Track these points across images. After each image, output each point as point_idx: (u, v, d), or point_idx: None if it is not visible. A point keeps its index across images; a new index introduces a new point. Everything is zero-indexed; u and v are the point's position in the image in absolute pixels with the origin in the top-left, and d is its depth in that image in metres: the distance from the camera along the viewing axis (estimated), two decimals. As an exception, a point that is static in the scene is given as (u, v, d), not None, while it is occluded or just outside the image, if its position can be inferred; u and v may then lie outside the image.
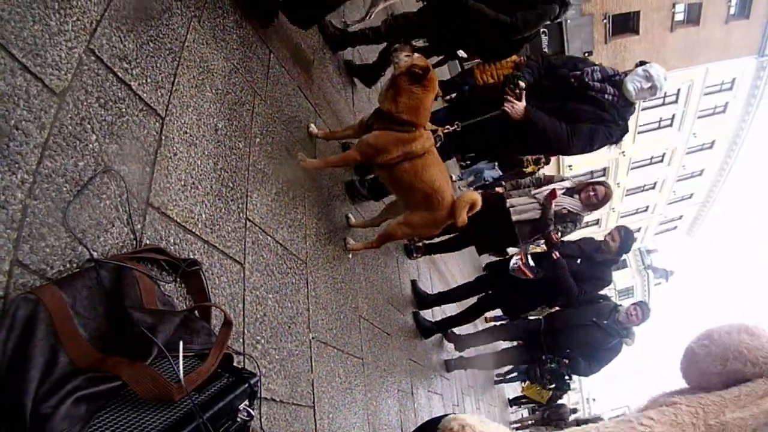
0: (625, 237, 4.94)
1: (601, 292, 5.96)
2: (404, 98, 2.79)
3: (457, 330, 6.08)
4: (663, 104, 24.12)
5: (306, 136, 3.24)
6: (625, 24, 19.93)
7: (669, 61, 21.05)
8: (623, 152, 24.81)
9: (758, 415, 1.38)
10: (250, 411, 1.44)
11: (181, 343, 1.31)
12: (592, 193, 4.53)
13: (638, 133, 24.53)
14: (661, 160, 27.68)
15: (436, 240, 5.30)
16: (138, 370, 1.17)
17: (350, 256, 3.46)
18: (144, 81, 1.87)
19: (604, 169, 26.33)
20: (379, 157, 2.91)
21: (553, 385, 7.13)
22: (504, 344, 6.98)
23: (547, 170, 12.05)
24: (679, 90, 23.56)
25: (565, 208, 4.57)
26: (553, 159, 16.56)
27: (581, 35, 19.11)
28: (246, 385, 1.44)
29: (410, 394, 3.98)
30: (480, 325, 8.28)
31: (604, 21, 19.38)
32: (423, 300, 5.17)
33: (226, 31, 2.56)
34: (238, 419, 1.40)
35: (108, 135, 1.63)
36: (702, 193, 33.05)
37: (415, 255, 5.36)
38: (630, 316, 5.41)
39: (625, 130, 3.87)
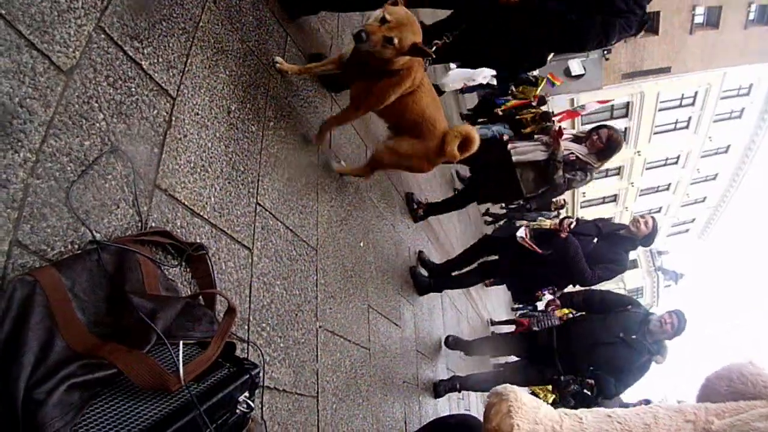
0: (654, 228, 4.56)
1: (630, 298, 5.16)
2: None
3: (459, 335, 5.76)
4: (680, 106, 23.96)
5: (321, 121, 3.20)
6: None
7: (687, 63, 20.88)
8: (638, 152, 24.68)
9: (748, 419, 1.46)
10: (250, 403, 1.41)
11: (181, 340, 1.29)
12: (596, 137, 4.31)
13: (654, 133, 24.37)
14: (676, 162, 27.52)
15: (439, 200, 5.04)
16: (135, 359, 1.14)
17: (361, 243, 3.42)
18: (155, 60, 1.83)
19: (619, 168, 26.21)
20: (374, 107, 2.77)
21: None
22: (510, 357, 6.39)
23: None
24: (696, 93, 23.39)
25: (573, 153, 4.30)
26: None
27: (600, 34, 18.91)
28: (247, 376, 1.41)
29: (416, 386, 3.95)
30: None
31: (624, 20, 19.13)
32: (431, 271, 4.94)
33: (242, 13, 2.52)
34: (237, 411, 1.37)
35: (116, 114, 1.60)
36: (715, 197, 32.88)
37: (417, 209, 4.98)
38: (664, 325, 4.47)
39: (644, 21, 3.35)
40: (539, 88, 11.03)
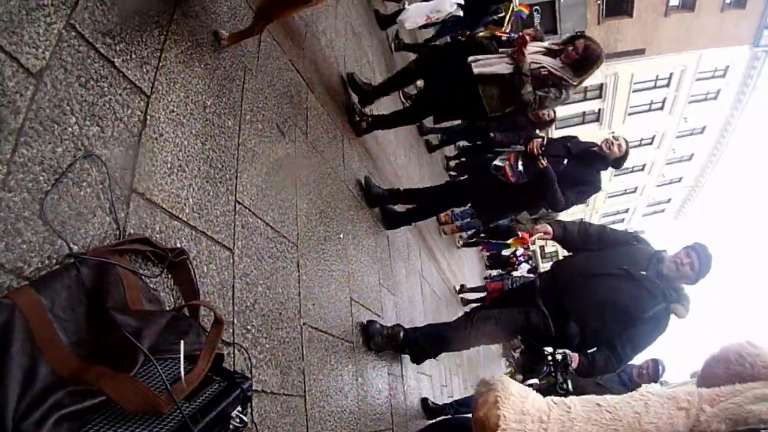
0: (626, 151, 4.19)
1: (634, 234, 4.02)
2: None
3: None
4: (655, 87, 24.31)
5: (298, 112, 3.12)
6: (618, 6, 19.98)
7: (662, 46, 21.12)
8: (612, 132, 24.92)
9: (741, 402, 1.45)
10: (243, 418, 1.37)
11: (182, 347, 1.23)
12: (571, 48, 3.73)
13: (629, 114, 24.67)
14: (651, 143, 27.96)
15: (386, 113, 4.57)
16: (122, 383, 1.09)
17: (341, 235, 3.37)
18: (128, 57, 1.74)
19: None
20: None
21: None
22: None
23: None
24: (671, 74, 23.78)
25: (544, 67, 3.71)
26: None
27: (574, 15, 19.03)
28: (239, 390, 1.36)
29: (400, 377, 3.94)
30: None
31: (598, 2, 19.34)
32: (380, 198, 4.40)
33: (216, 3, 2.42)
34: (231, 427, 1.33)
35: (89, 117, 1.51)
36: (691, 178, 33.40)
37: (360, 120, 4.33)
38: (680, 266, 3.33)
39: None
40: (507, 21, 10.32)
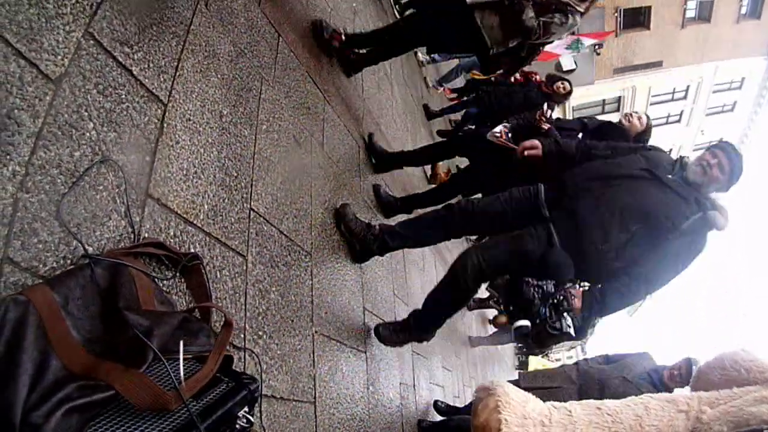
0: (648, 126, 3.91)
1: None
2: None
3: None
4: (672, 100, 24.09)
5: (314, 123, 3.16)
6: (635, 18, 19.92)
7: (679, 58, 20.98)
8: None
9: (741, 405, 1.47)
10: (250, 418, 1.38)
11: (181, 347, 1.25)
12: None
13: (647, 127, 24.43)
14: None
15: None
16: (132, 378, 1.11)
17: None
18: (146, 66, 1.79)
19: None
20: None
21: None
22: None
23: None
24: (688, 87, 23.54)
25: None
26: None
27: (592, 28, 19.05)
28: (246, 392, 1.38)
29: (412, 386, 3.93)
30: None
31: (615, 14, 19.29)
32: (389, 207, 4.21)
33: (233, 14, 2.48)
34: (237, 426, 1.34)
35: (106, 123, 1.55)
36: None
37: (329, 39, 3.66)
38: (708, 169, 2.77)
39: None
40: None
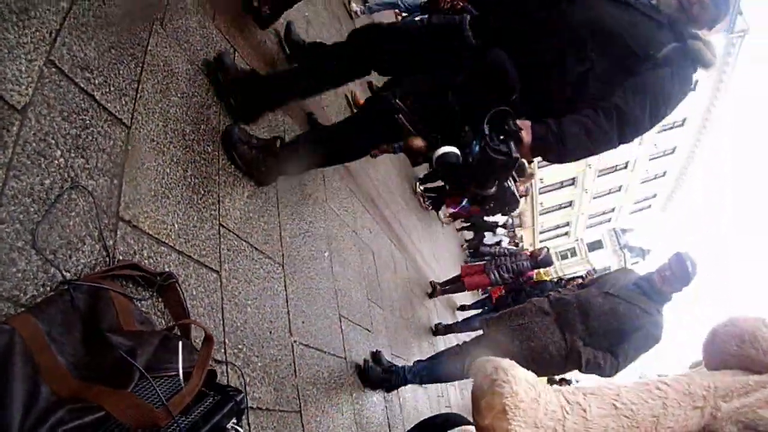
0: None
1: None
2: None
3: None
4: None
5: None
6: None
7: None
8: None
9: (753, 405, 1.47)
10: (238, 429, 1.41)
11: (180, 360, 1.27)
12: None
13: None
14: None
15: None
16: (121, 399, 1.13)
17: (326, 254, 3.42)
18: (107, 90, 1.80)
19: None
20: None
21: None
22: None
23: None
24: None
25: None
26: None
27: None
28: (232, 403, 1.41)
29: (396, 392, 3.97)
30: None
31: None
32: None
33: (189, 32, 2.49)
34: (227, 438, 1.37)
35: (73, 149, 1.56)
36: (675, 171, 33.65)
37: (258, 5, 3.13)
38: (689, 4, 2.16)
39: None
40: None
